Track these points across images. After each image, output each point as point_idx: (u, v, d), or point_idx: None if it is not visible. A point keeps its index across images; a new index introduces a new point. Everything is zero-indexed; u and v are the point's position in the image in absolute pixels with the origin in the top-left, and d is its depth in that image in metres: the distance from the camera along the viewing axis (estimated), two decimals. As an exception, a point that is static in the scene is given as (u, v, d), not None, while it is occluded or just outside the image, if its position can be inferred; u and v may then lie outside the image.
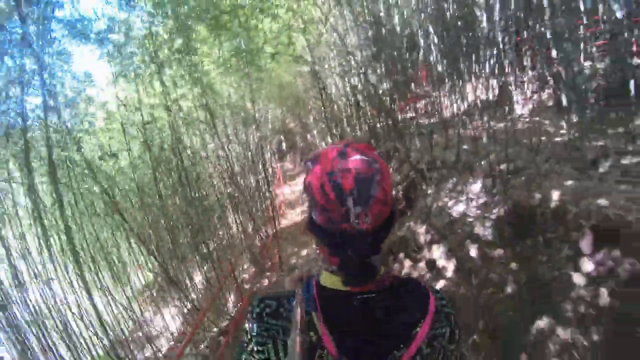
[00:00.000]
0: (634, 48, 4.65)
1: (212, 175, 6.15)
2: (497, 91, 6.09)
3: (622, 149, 3.56)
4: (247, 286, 5.58)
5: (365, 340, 0.82)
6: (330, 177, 0.79)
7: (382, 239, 0.84)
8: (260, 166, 8.00)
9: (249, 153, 7.61)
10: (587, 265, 2.62)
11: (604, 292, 2.52)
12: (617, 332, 2.39)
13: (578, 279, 2.63)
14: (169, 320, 6.18)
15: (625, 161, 3.38)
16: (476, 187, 4.28)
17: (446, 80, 6.44)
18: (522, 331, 2.79)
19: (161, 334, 6.14)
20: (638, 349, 2.24)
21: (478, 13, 5.74)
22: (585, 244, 2.66)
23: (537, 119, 5.47)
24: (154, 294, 6.79)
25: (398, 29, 6.69)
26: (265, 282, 5.45)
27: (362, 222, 0.78)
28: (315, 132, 10.69)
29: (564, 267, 2.70)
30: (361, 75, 7.07)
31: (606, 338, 2.42)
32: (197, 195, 5.63)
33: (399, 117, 7.15)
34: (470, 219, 4.00)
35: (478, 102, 6.02)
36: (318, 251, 0.93)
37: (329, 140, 9.54)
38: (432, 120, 6.76)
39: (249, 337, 0.87)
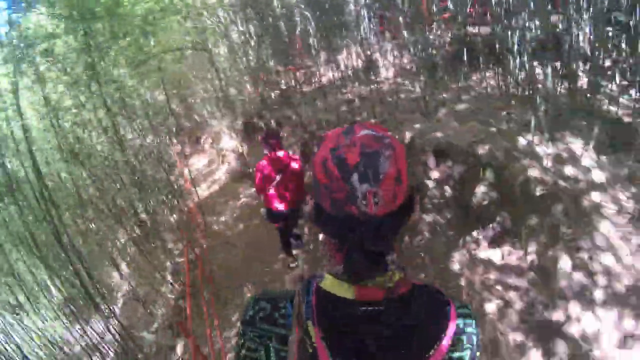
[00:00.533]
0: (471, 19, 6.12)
1: (117, 168, 6.34)
2: (364, 59, 7.43)
3: (456, 99, 5.08)
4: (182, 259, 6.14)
5: (367, 358, 0.73)
6: (334, 153, 0.71)
7: (396, 227, 0.74)
8: (160, 152, 8.30)
9: (147, 141, 7.82)
10: (434, 174, 4.02)
11: (447, 188, 3.96)
12: (458, 211, 3.84)
13: (430, 183, 4.02)
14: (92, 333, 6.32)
15: (458, 107, 4.88)
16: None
17: (320, 51, 7.57)
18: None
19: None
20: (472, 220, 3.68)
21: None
22: (431, 162, 4.05)
23: (399, 80, 6.87)
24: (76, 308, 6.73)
25: (278, 10, 7.56)
26: (198, 250, 6.10)
27: (371, 203, 0.68)
28: (204, 112, 11.03)
29: (420, 178, 4.08)
30: (247, 52, 7.87)
31: (456, 216, 3.86)
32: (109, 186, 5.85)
33: (284, 86, 8.13)
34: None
35: (349, 69, 7.28)
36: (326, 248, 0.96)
37: (218, 114, 10.12)
38: (312, 88, 7.88)
39: (242, 341, 0.80)
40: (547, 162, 3.18)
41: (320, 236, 4.69)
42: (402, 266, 0.77)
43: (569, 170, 3.12)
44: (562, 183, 3.03)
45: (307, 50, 8.01)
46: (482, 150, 3.59)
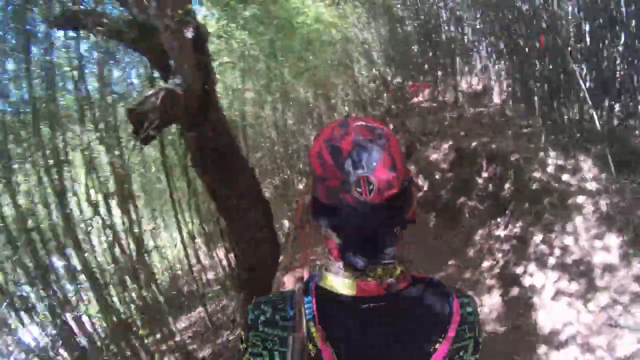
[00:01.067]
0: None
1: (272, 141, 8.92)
2: (480, 84, 8.57)
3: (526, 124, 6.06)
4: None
5: (372, 356, 0.73)
6: (329, 143, 0.74)
7: (394, 216, 0.74)
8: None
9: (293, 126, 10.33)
10: (484, 174, 5.26)
11: (490, 185, 5.16)
12: (494, 201, 5.03)
13: (480, 180, 5.27)
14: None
15: (523, 130, 5.89)
16: (445, 145, 6.90)
17: (444, 73, 8.97)
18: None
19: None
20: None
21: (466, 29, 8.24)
22: (484, 164, 5.30)
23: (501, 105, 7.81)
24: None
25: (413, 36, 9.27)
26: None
27: (365, 189, 0.70)
28: (343, 111, 13.24)
29: (477, 174, 5.35)
30: (381, 69, 9.75)
31: (490, 205, 5.06)
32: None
33: (408, 101, 9.74)
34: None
35: (467, 91, 8.52)
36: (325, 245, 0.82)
37: (353, 115, 12.19)
38: (430, 104, 9.30)
39: (244, 346, 0.79)
40: (551, 169, 4.25)
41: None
42: (404, 260, 0.78)
43: (567, 177, 4.14)
44: (555, 185, 4.11)
45: (431, 71, 9.49)
46: (513, 158, 4.76)
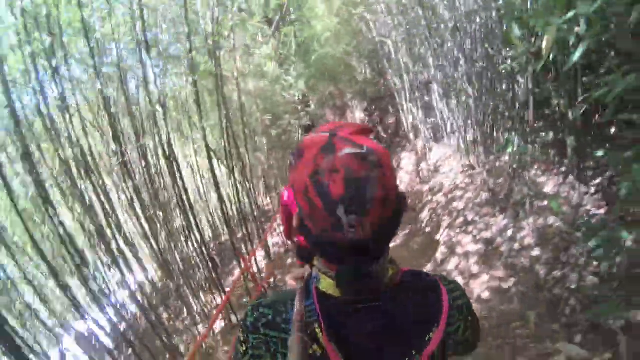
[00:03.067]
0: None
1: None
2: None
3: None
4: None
5: (374, 352, 0.77)
6: (315, 180, 0.67)
7: (386, 241, 0.75)
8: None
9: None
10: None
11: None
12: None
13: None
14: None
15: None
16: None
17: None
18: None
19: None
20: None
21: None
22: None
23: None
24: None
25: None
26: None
27: (358, 232, 0.67)
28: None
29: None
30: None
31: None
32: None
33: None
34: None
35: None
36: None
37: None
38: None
39: (244, 349, 0.80)
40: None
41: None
42: (392, 260, 0.80)
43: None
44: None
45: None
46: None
